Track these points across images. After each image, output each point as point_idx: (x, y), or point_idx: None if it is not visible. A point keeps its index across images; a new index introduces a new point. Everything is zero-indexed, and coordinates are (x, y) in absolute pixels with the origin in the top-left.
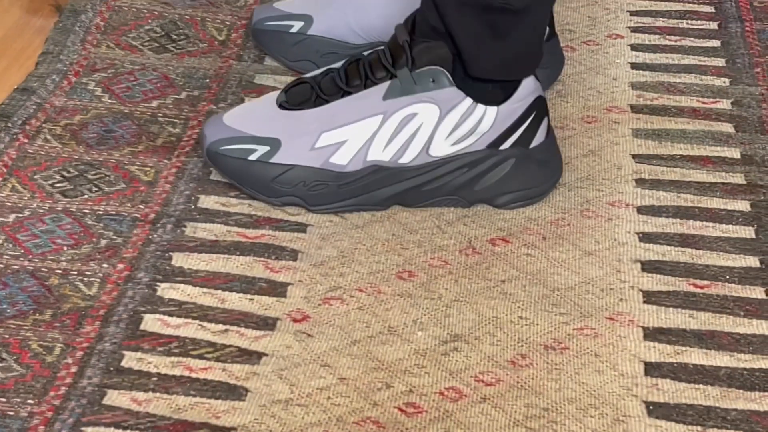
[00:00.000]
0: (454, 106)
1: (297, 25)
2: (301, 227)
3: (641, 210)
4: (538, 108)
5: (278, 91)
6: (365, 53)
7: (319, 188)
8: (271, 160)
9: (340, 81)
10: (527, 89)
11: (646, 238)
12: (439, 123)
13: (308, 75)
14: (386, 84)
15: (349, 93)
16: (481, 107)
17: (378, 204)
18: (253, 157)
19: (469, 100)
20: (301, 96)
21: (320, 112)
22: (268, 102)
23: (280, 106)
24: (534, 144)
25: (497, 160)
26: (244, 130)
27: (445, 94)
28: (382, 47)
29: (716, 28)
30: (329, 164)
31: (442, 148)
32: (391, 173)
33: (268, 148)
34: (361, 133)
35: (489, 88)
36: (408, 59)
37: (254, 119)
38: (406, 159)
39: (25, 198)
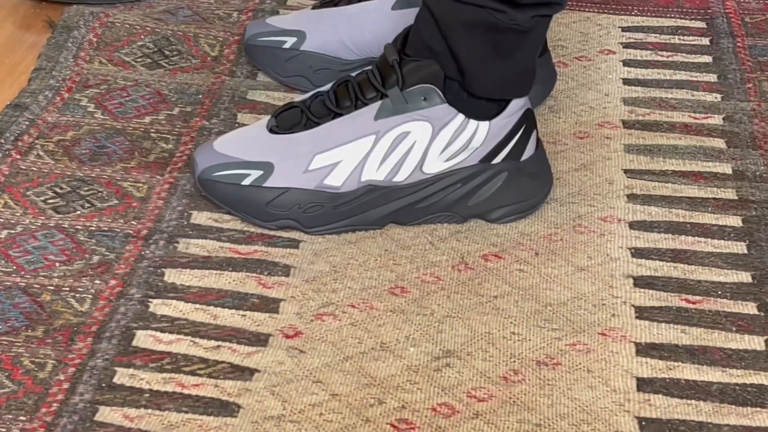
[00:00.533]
0: (447, 122)
1: (290, 41)
2: (294, 243)
3: (633, 225)
4: (528, 121)
5: (268, 117)
6: (353, 74)
7: (315, 210)
8: (265, 184)
9: (330, 103)
10: (518, 103)
11: (638, 253)
12: (432, 140)
13: (297, 99)
14: (377, 104)
15: (340, 114)
16: (473, 122)
17: (373, 223)
18: (246, 182)
19: (461, 116)
20: (292, 120)
21: (312, 135)
22: (259, 128)
23: (271, 130)
24: (525, 157)
25: (490, 175)
26: (236, 155)
27: (437, 112)
28: (369, 67)
29: (708, 43)
30: (324, 186)
31: (435, 165)
32: (385, 192)
33: (261, 172)
34: (355, 153)
35: (484, 104)
36: (398, 78)
37: (245, 144)
38: (400, 177)
39: (18, 214)
